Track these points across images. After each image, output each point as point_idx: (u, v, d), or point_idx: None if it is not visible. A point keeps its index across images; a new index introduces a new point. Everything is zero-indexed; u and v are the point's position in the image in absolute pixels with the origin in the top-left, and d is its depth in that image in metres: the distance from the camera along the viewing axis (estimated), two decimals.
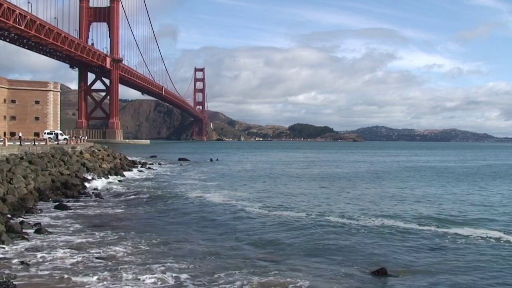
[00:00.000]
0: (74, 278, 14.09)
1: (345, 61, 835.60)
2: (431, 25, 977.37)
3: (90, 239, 19.22)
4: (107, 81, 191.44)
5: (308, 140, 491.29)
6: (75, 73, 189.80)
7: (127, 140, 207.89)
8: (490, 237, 20.02)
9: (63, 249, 17.38)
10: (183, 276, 14.59)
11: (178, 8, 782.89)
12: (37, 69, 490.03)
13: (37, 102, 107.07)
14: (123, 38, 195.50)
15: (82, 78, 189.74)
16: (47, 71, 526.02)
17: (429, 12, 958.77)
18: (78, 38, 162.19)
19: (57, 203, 27.85)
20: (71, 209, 26.59)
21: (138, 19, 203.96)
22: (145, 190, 37.62)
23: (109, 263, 15.69)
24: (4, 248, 16.84)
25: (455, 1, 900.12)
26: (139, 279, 14.19)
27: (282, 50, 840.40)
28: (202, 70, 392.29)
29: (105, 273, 14.67)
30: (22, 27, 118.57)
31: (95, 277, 14.25)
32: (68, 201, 29.51)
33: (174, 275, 14.63)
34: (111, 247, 18.02)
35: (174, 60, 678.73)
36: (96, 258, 16.12)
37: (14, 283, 12.87)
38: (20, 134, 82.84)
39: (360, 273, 15.03)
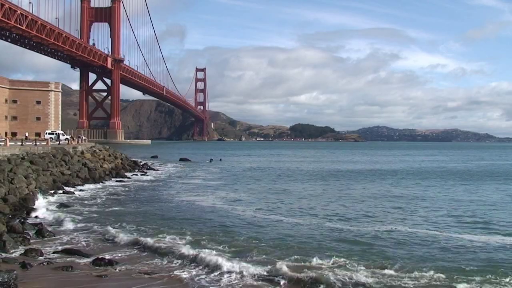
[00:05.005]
0: (75, 279, 14.07)
1: (349, 61, 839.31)
2: (435, 25, 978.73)
3: (91, 240, 19.20)
4: (108, 81, 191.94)
5: (309, 140, 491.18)
6: (77, 73, 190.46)
7: (128, 140, 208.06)
8: (501, 240, 19.77)
9: (64, 249, 17.33)
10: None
11: (183, 8, 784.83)
12: (40, 69, 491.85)
13: (38, 102, 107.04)
14: (127, 39, 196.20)
15: (83, 78, 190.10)
16: (50, 71, 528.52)
17: (432, 12, 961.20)
18: (79, 38, 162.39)
19: (58, 203, 27.81)
20: (72, 209, 26.53)
21: (142, 19, 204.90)
22: (146, 190, 37.59)
23: (110, 265, 15.61)
24: (5, 248, 16.79)
25: (458, 1, 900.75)
26: (135, 280, 14.15)
27: (286, 50, 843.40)
28: (203, 70, 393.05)
29: (106, 274, 14.64)
30: (24, 27, 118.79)
31: (96, 278, 14.21)
32: (69, 201, 29.47)
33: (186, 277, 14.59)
34: (112, 248, 18.00)
35: (179, 60, 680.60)
36: (97, 259, 16.05)
37: (15, 283, 12.82)
38: (27, 134, 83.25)
39: (361, 272, 14.91)
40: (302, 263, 15.70)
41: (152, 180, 46.77)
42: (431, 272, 14.80)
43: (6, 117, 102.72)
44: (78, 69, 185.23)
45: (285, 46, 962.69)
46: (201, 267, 15.43)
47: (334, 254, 16.95)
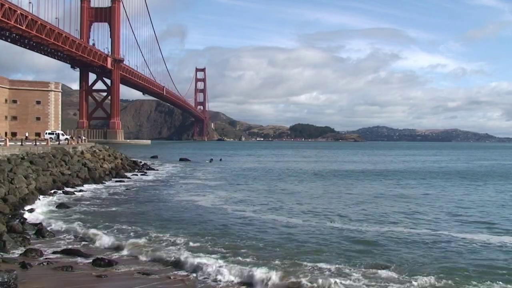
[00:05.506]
0: (75, 279, 13.99)
1: (349, 61, 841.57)
2: (435, 25, 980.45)
3: (91, 240, 19.10)
4: (108, 81, 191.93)
5: (309, 140, 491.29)
6: (77, 73, 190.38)
7: (128, 140, 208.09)
8: (503, 241, 19.58)
9: (64, 249, 17.27)
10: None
11: (183, 8, 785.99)
12: (40, 69, 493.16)
13: (38, 102, 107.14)
14: (127, 39, 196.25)
15: (83, 78, 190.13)
16: (50, 71, 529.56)
17: (432, 12, 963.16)
18: (79, 38, 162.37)
19: (58, 203, 27.73)
20: (72, 209, 26.46)
21: (142, 19, 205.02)
22: (146, 190, 37.52)
23: (110, 265, 15.53)
24: (5, 248, 16.72)
25: (458, 1, 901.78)
26: (136, 280, 14.07)
27: (286, 50, 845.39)
28: (203, 70, 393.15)
29: (106, 274, 14.56)
30: (23, 27, 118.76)
31: (96, 278, 14.14)
32: (69, 201, 29.40)
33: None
34: (112, 248, 17.93)
35: (179, 60, 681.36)
36: (97, 259, 15.96)
37: (15, 283, 12.75)
38: (27, 134, 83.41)
39: (361, 274, 14.81)
40: (302, 265, 15.56)
41: (152, 180, 46.68)
42: (433, 275, 14.63)
43: (6, 117, 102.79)
44: (78, 69, 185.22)
45: (285, 46, 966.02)
46: (201, 268, 15.29)
47: (334, 255, 16.91)
